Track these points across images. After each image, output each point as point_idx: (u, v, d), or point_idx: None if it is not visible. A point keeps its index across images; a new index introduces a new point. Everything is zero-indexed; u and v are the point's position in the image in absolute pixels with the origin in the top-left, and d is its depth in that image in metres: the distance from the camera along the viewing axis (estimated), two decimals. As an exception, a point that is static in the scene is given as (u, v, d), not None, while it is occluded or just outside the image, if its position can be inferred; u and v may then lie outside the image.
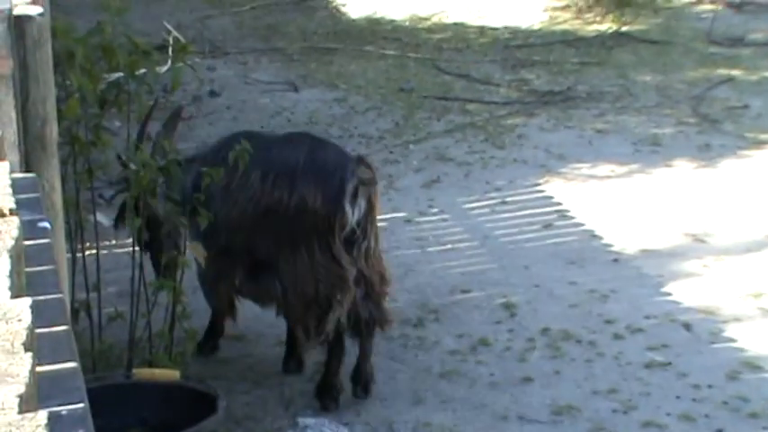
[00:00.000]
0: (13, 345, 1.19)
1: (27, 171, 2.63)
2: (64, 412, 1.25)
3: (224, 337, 4.87)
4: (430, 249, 5.91)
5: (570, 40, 9.78)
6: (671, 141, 7.42)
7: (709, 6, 10.52)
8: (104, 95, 4.19)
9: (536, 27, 10.28)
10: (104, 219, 4.99)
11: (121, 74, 4.16)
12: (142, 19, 9.59)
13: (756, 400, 4.44)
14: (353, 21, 10.74)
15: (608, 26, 10.06)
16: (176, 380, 4.07)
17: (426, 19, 10.67)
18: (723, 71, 8.83)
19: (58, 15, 4.80)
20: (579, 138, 7.52)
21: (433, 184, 6.78)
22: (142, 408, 4.00)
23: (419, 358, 4.81)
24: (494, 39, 9.97)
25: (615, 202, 6.47)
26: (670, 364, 4.72)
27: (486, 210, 6.41)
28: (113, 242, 5.39)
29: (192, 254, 4.31)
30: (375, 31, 10.35)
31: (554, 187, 6.71)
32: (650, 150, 7.27)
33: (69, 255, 4.08)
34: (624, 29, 9.93)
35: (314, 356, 4.58)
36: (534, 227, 6.16)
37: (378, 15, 10.77)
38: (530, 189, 6.70)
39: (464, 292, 5.41)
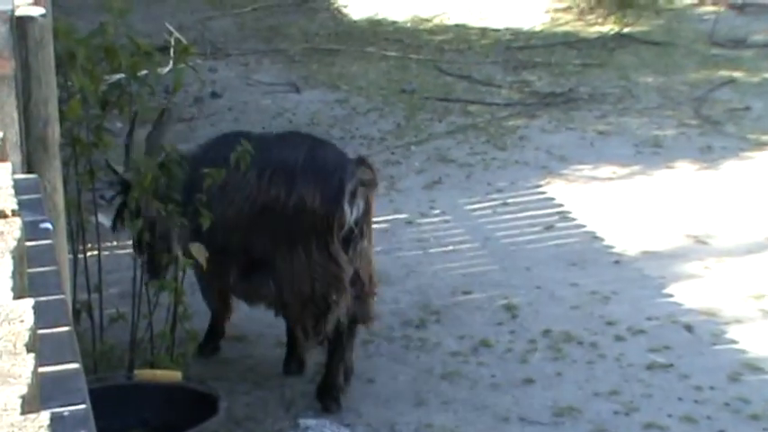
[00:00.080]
0: (15, 346, 1.19)
1: (29, 172, 2.63)
2: (66, 413, 1.25)
3: (225, 338, 4.87)
4: (431, 251, 5.91)
5: (572, 42, 9.78)
6: (672, 143, 7.42)
7: (711, 8, 10.52)
8: (106, 96, 4.19)
9: (538, 28, 10.27)
10: (106, 220, 4.99)
11: (123, 75, 4.16)
12: (143, 20, 9.59)
13: (758, 402, 4.44)
14: (355, 22, 10.74)
15: (610, 28, 10.06)
16: (178, 381, 4.07)
17: (428, 20, 10.67)
18: (725, 73, 8.83)
19: (60, 16, 4.80)
20: (581, 139, 7.52)
21: (434, 185, 6.78)
22: (143, 409, 4.01)
23: (420, 359, 4.81)
24: (495, 40, 9.97)
25: (617, 203, 6.47)
26: (671, 365, 4.72)
27: (488, 211, 6.41)
28: (115, 243, 5.40)
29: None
30: (377, 32, 10.35)
31: (555, 189, 6.71)
32: (652, 152, 7.27)
33: (71, 256, 4.08)
34: (626, 30, 9.93)
35: (315, 357, 4.58)
36: (536, 228, 6.16)
37: (379, 17, 10.77)
38: (531, 190, 6.70)
39: (465, 293, 5.41)
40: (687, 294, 5.34)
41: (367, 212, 4.25)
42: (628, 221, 6.19)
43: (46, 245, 1.71)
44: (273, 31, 10.47)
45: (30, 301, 1.27)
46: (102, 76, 4.17)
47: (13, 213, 1.49)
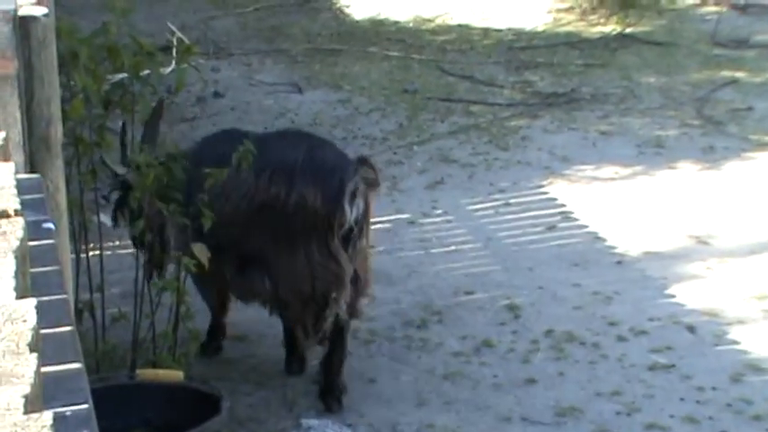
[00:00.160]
0: (18, 345, 1.19)
1: (31, 172, 2.64)
2: (68, 413, 1.25)
3: (227, 337, 4.87)
4: (433, 251, 5.91)
5: (574, 42, 9.78)
6: (675, 143, 7.41)
7: (713, 8, 10.51)
8: (109, 96, 4.19)
9: (540, 29, 10.27)
10: (108, 219, 4.99)
11: (126, 75, 4.16)
12: (146, 20, 9.60)
13: (760, 403, 4.43)
14: (357, 22, 10.74)
15: (612, 28, 10.06)
16: (180, 381, 4.07)
17: (430, 20, 10.67)
18: (727, 73, 8.83)
19: (62, 16, 4.81)
20: (583, 139, 7.51)
21: (436, 185, 6.78)
22: (146, 408, 4.01)
23: (422, 360, 4.81)
24: (498, 40, 9.97)
25: (619, 203, 6.46)
26: (674, 366, 4.72)
27: (490, 211, 6.41)
28: (117, 243, 5.40)
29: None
30: (379, 32, 10.35)
31: (558, 189, 6.71)
32: (654, 152, 7.26)
33: (73, 255, 4.08)
34: (628, 30, 9.92)
35: (317, 357, 4.58)
36: (538, 228, 6.16)
37: (382, 17, 10.77)
38: (533, 191, 6.70)
39: (468, 293, 5.41)
40: (689, 295, 5.34)
41: (366, 212, 4.27)
42: (630, 222, 6.19)
43: (48, 245, 1.71)
44: (276, 31, 10.48)
45: (32, 301, 1.28)
46: (104, 76, 4.18)
47: (16, 213, 1.49)
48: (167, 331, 4.37)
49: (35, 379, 1.15)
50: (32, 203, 1.80)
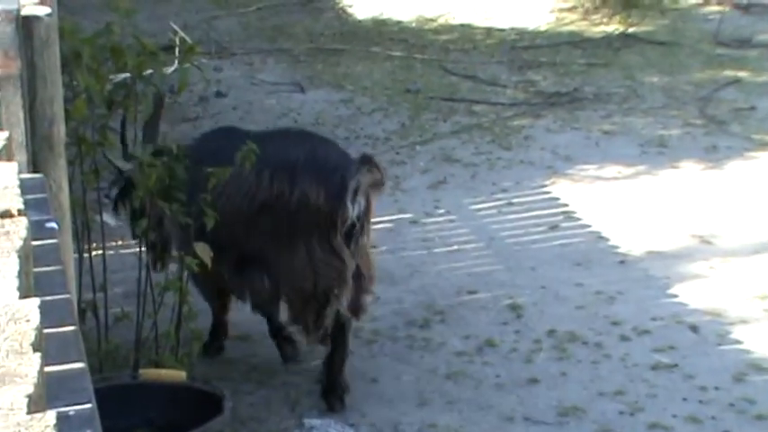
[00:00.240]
0: (21, 345, 1.19)
1: (34, 171, 2.64)
2: (71, 413, 1.26)
3: (230, 337, 4.88)
4: (436, 250, 5.91)
5: (577, 42, 9.77)
6: (678, 143, 7.41)
7: (716, 8, 10.50)
8: (111, 96, 4.19)
9: (543, 28, 10.27)
10: (111, 219, 4.99)
11: (128, 74, 4.16)
12: (148, 19, 9.60)
13: (763, 402, 4.43)
14: (360, 22, 10.74)
15: (615, 27, 10.05)
16: (182, 380, 4.07)
17: (433, 20, 10.66)
18: (730, 72, 8.82)
19: (65, 16, 4.81)
20: (586, 139, 7.51)
21: (439, 185, 6.78)
22: (148, 408, 4.01)
23: (425, 359, 4.81)
24: (500, 40, 9.96)
25: (622, 203, 6.46)
26: (676, 365, 4.72)
27: (493, 211, 6.41)
28: (120, 243, 5.41)
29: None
30: (381, 32, 10.35)
31: (560, 188, 6.70)
32: (657, 152, 7.26)
33: (76, 255, 4.08)
34: (631, 30, 9.92)
35: (320, 357, 4.58)
36: (541, 228, 6.16)
37: (384, 16, 10.77)
38: (536, 190, 6.70)
39: (470, 293, 5.41)
40: (692, 294, 5.34)
41: (368, 209, 4.29)
42: (633, 221, 6.19)
43: (51, 244, 1.71)
44: (278, 30, 10.48)
45: (35, 301, 1.28)
46: (107, 76, 4.18)
47: (19, 213, 1.49)
48: (170, 331, 4.37)
49: (38, 379, 1.15)
50: (35, 203, 1.80)
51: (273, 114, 8.04)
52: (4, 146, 1.72)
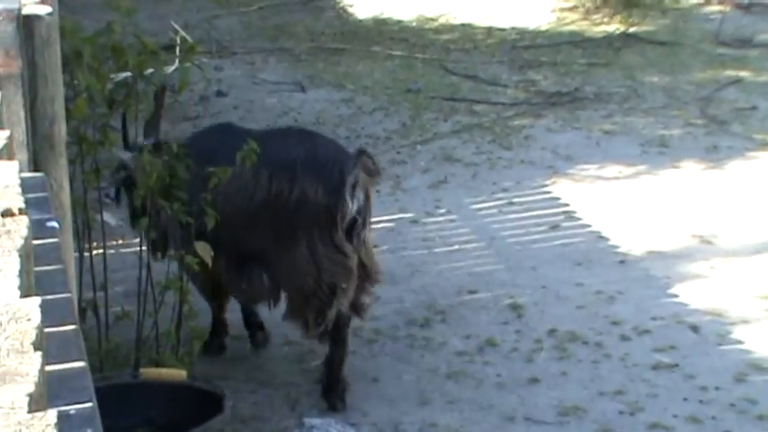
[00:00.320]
0: (22, 344, 1.19)
1: (35, 170, 2.64)
2: (72, 411, 1.26)
3: (230, 336, 4.87)
4: (437, 250, 5.91)
5: (578, 41, 9.77)
6: (678, 143, 7.41)
7: (717, 7, 10.50)
8: (112, 95, 4.19)
9: (543, 28, 10.27)
10: (111, 218, 4.99)
11: (129, 74, 4.16)
12: (149, 19, 9.61)
13: (764, 402, 4.43)
14: (361, 21, 10.74)
15: (615, 27, 10.05)
16: (183, 379, 4.07)
17: (434, 20, 10.66)
18: (731, 72, 8.82)
19: (66, 15, 4.81)
20: (586, 139, 7.51)
21: (440, 184, 6.78)
22: (149, 407, 4.01)
23: (426, 359, 4.81)
24: (501, 39, 9.96)
25: (622, 203, 6.46)
26: (677, 365, 4.72)
27: (494, 210, 6.41)
28: (120, 242, 5.41)
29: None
30: (382, 31, 10.35)
31: (561, 188, 6.70)
32: (658, 152, 7.26)
33: (77, 254, 4.08)
34: (632, 30, 9.92)
35: (320, 357, 4.58)
36: (541, 228, 6.16)
37: (385, 16, 10.77)
38: (537, 190, 6.70)
39: (471, 292, 5.41)
40: (693, 294, 5.34)
41: (368, 202, 4.30)
42: (633, 221, 6.19)
43: (52, 243, 1.71)
44: (279, 29, 10.48)
45: (36, 300, 1.28)
46: (108, 75, 4.18)
47: (20, 212, 1.49)
48: (170, 330, 4.37)
49: (39, 377, 1.15)
50: (36, 202, 1.80)
51: (274, 114, 8.04)
52: (5, 145, 1.72)
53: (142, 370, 4.12)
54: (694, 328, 5.02)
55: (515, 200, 6.53)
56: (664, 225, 6.12)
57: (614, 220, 6.21)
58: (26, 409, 1.11)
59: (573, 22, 10.38)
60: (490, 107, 8.17)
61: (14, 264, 1.34)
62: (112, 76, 4.22)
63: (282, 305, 4.52)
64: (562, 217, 6.30)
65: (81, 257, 4.26)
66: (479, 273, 5.63)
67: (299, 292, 4.34)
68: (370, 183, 4.30)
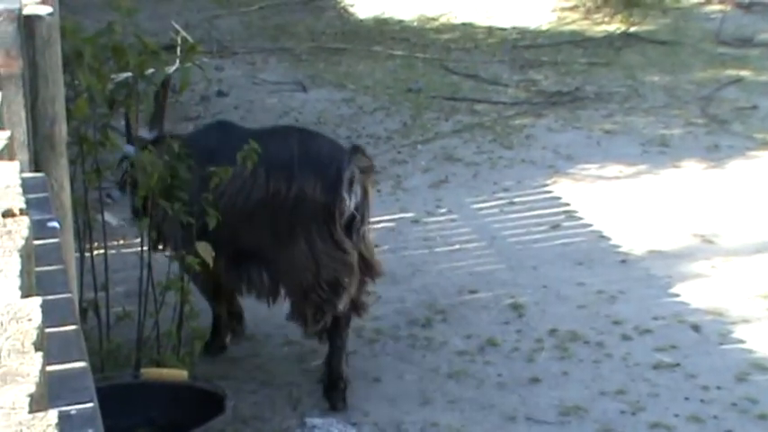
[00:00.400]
0: (23, 344, 1.19)
1: (36, 171, 2.64)
2: (73, 412, 1.26)
3: (231, 336, 4.87)
4: (437, 249, 5.90)
5: (578, 41, 9.77)
6: (679, 142, 7.41)
7: (718, 7, 10.50)
8: (113, 95, 4.19)
9: (544, 27, 10.27)
10: (112, 218, 5.00)
11: (130, 74, 4.16)
12: (150, 19, 9.61)
13: (765, 402, 4.43)
14: (361, 21, 10.74)
15: (616, 27, 10.05)
16: (184, 380, 4.07)
17: (434, 19, 10.66)
18: (732, 72, 8.82)
19: (67, 15, 4.80)
20: (587, 138, 7.51)
21: (440, 184, 6.78)
22: (150, 407, 4.01)
23: (427, 359, 4.81)
24: (502, 39, 9.96)
25: (623, 202, 6.46)
26: (678, 365, 4.71)
27: (494, 210, 6.41)
28: (121, 242, 5.41)
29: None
30: (383, 31, 10.35)
31: (562, 188, 6.70)
32: (658, 151, 7.26)
33: (78, 254, 4.08)
34: (632, 29, 9.92)
35: (320, 357, 4.58)
36: (542, 227, 6.16)
37: (386, 16, 10.77)
38: (538, 189, 6.70)
39: (472, 292, 5.41)
40: (694, 294, 5.34)
41: (365, 198, 4.31)
42: (634, 220, 6.18)
43: (53, 243, 1.71)
44: (280, 29, 10.48)
45: (37, 300, 1.28)
46: (109, 75, 4.18)
47: (21, 212, 1.49)
48: (171, 330, 4.37)
49: (40, 378, 1.15)
50: (37, 202, 1.80)
51: (275, 114, 8.04)
52: (6, 145, 1.72)
53: (143, 370, 4.12)
54: (695, 328, 5.02)
55: (516, 199, 6.53)
56: (665, 224, 6.12)
57: (615, 219, 6.21)
58: (27, 409, 1.11)
59: (574, 21, 10.38)
60: (491, 107, 8.17)
61: (15, 264, 1.34)
62: (113, 76, 4.22)
63: (284, 305, 4.53)
64: (563, 216, 6.30)
65: (82, 258, 4.26)
66: (480, 272, 5.62)
67: (298, 289, 4.36)
68: (367, 178, 4.32)
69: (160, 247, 4.59)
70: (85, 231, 4.34)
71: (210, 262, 4.19)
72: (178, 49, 4.52)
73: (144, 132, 4.49)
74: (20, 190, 1.55)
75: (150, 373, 4.11)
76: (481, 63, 9.26)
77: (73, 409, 1.25)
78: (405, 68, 9.19)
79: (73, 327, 1.44)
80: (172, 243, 4.48)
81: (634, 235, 5.99)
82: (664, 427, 4.28)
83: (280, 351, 4.81)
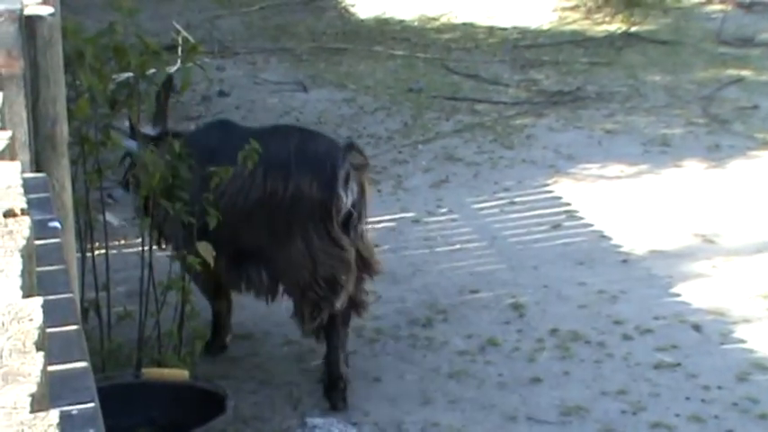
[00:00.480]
0: (24, 344, 1.19)
1: (37, 171, 2.64)
2: (74, 412, 1.26)
3: (232, 336, 4.87)
4: (438, 249, 5.90)
5: (579, 41, 9.77)
6: (680, 142, 7.41)
7: (718, 6, 10.50)
8: (114, 95, 4.19)
9: (545, 27, 10.26)
10: (114, 218, 5.00)
11: (131, 74, 4.17)
12: (151, 19, 9.61)
13: (766, 401, 4.43)
14: (362, 21, 10.74)
15: (617, 26, 10.05)
16: (185, 379, 4.08)
17: (435, 19, 10.66)
18: (733, 71, 8.82)
19: (68, 15, 4.81)
20: (588, 138, 7.51)
21: (441, 184, 6.78)
22: (151, 407, 4.01)
23: (428, 358, 4.81)
24: (503, 39, 9.96)
25: (624, 202, 6.46)
26: (679, 365, 4.71)
27: (495, 210, 6.41)
28: (122, 242, 5.41)
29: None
30: (384, 31, 10.35)
31: (563, 188, 6.70)
32: (659, 151, 7.26)
33: (79, 254, 4.08)
34: (633, 29, 9.91)
35: (320, 357, 4.58)
36: (543, 227, 6.15)
37: (387, 15, 10.77)
38: (538, 189, 6.69)
39: (473, 292, 5.41)
40: (695, 293, 5.34)
41: (362, 195, 4.31)
42: (635, 220, 6.18)
43: (54, 243, 1.71)
44: (281, 29, 10.48)
45: (39, 300, 1.28)
46: (110, 75, 4.18)
47: (23, 212, 1.49)
48: (172, 330, 4.38)
49: (41, 378, 1.16)
50: (38, 202, 1.80)
51: (276, 113, 8.04)
52: (8, 145, 1.72)
53: (144, 370, 4.13)
54: (696, 328, 5.02)
55: (517, 199, 6.53)
56: (666, 224, 6.12)
57: (616, 219, 6.21)
58: (28, 409, 1.11)
59: (574, 21, 10.38)
60: (492, 106, 8.17)
61: (17, 264, 1.35)
62: (114, 76, 4.22)
63: (285, 305, 4.53)
64: (564, 216, 6.30)
65: (83, 258, 4.27)
66: (481, 272, 5.63)
67: (296, 287, 4.36)
68: (362, 175, 4.33)
69: (163, 246, 4.59)
70: (87, 231, 4.35)
71: (211, 262, 4.19)
72: (179, 50, 4.52)
73: (147, 128, 4.50)
74: (21, 190, 1.56)
75: (151, 372, 4.11)
76: (482, 63, 9.26)
77: (74, 408, 1.26)
78: (405, 68, 9.19)
79: (74, 327, 1.44)
80: (173, 243, 4.48)
81: (635, 235, 5.99)
82: (665, 427, 4.28)
83: (280, 351, 4.82)
